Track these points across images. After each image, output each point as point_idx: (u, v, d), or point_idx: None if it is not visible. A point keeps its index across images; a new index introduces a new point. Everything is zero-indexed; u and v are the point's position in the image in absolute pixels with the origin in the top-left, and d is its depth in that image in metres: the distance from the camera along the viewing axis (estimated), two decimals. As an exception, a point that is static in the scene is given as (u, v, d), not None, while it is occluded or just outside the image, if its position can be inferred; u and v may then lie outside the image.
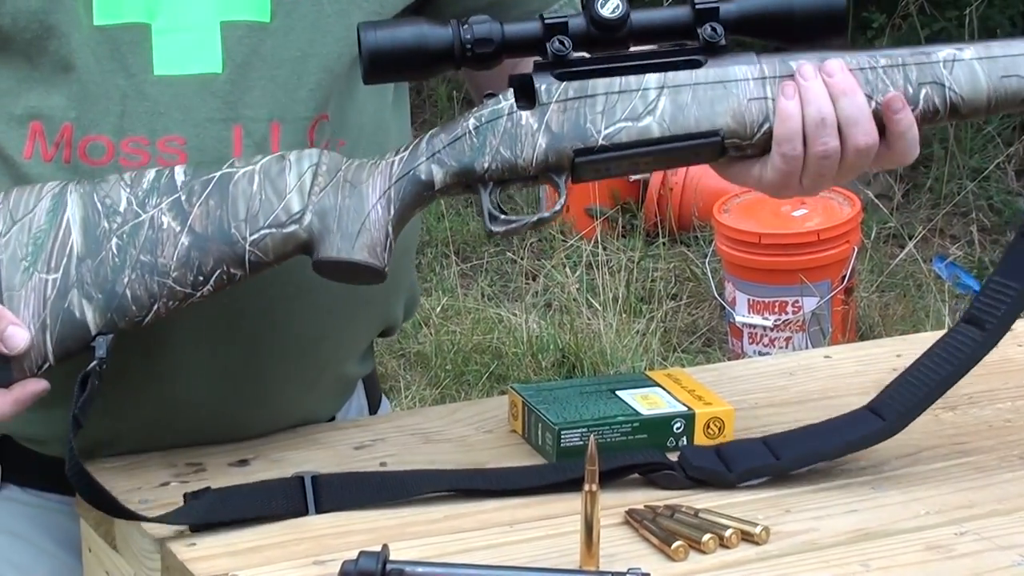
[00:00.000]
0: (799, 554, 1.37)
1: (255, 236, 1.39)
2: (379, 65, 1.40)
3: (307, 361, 1.55)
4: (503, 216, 1.42)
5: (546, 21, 1.42)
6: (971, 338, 1.49)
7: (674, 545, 1.36)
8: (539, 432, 1.55)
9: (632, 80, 1.43)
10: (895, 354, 1.78)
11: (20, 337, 1.37)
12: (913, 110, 1.44)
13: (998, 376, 1.73)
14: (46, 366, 1.38)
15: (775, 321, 4.35)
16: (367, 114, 1.53)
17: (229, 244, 1.39)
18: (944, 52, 1.45)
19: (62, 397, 1.45)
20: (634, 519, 1.41)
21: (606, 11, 1.42)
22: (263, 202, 1.40)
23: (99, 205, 1.41)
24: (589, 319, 4.46)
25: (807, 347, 4.20)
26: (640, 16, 1.43)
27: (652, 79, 1.43)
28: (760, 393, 1.68)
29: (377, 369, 1.77)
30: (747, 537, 1.38)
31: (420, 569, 1.29)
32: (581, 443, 1.50)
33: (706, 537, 1.37)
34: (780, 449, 1.48)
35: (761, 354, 4.23)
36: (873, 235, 4.97)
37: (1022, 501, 1.45)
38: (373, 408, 1.72)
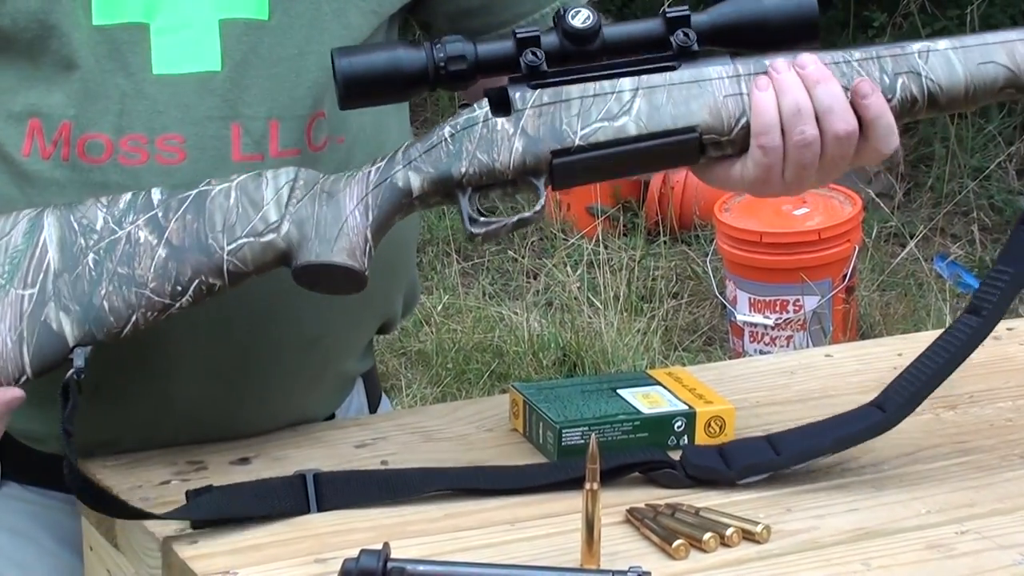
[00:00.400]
0: (800, 553, 1.37)
1: (232, 246, 1.39)
2: (354, 91, 1.41)
3: (307, 358, 1.55)
4: (483, 219, 1.42)
5: (518, 36, 1.42)
6: (969, 326, 1.49)
7: (675, 544, 1.36)
8: (540, 430, 1.55)
9: (606, 84, 1.43)
10: (896, 353, 1.77)
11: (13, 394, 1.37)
12: (890, 100, 1.44)
13: (999, 375, 1.73)
14: (23, 379, 1.38)
15: (776, 320, 4.35)
16: (366, 112, 1.52)
17: (207, 254, 1.39)
18: (918, 45, 1.46)
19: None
20: (635, 518, 1.41)
21: (577, 22, 1.42)
22: (240, 214, 1.40)
23: (75, 225, 1.41)
24: (590, 318, 4.46)
25: (808, 346, 4.20)
26: (612, 30, 1.43)
27: (626, 82, 1.43)
28: (761, 392, 1.68)
29: (377, 367, 1.77)
30: (748, 536, 1.38)
31: (421, 567, 1.29)
32: (582, 442, 1.50)
33: (707, 536, 1.37)
34: (780, 445, 1.48)
35: (762, 353, 4.23)
36: (874, 234, 4.97)
37: (1023, 500, 1.45)
38: (373, 406, 1.71)
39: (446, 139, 1.42)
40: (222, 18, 1.46)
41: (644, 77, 1.44)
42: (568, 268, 4.72)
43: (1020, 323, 1.90)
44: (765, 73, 1.44)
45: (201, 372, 1.49)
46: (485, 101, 1.43)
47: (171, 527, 1.40)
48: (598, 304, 4.51)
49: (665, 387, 1.60)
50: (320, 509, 1.42)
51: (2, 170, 1.46)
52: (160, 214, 1.40)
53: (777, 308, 4.36)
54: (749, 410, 1.60)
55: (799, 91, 1.42)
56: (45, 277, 1.39)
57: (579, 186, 1.47)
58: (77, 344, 1.38)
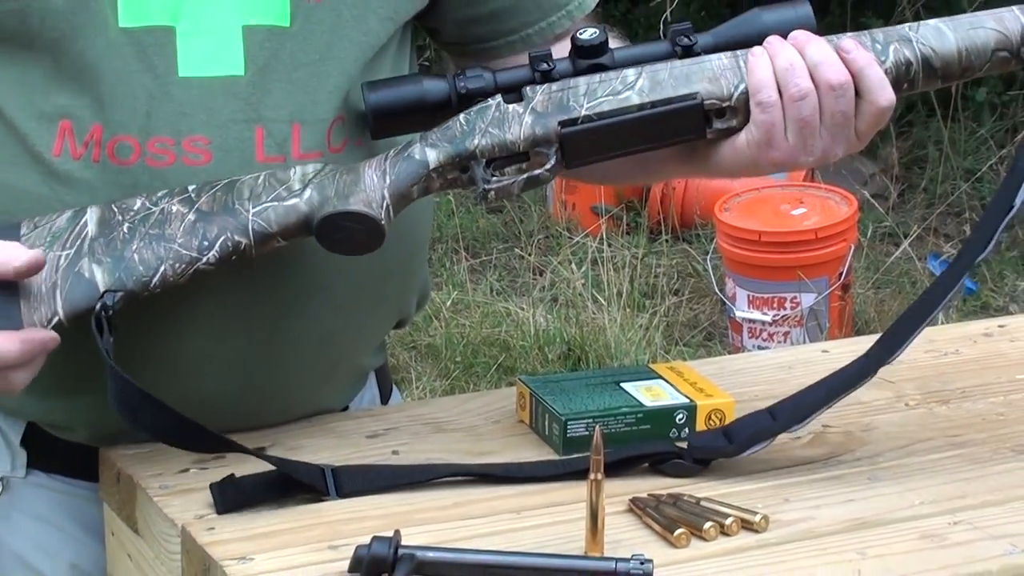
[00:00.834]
0: (797, 542, 1.37)
1: (257, 208, 1.42)
2: (383, 122, 1.47)
3: (323, 353, 1.55)
4: (494, 178, 1.45)
5: (531, 54, 1.48)
6: (945, 276, 1.49)
7: (676, 532, 1.36)
8: (546, 422, 1.55)
9: (612, 73, 1.47)
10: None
11: (33, 253, 1.37)
12: (884, 63, 1.46)
13: (991, 371, 1.73)
14: (55, 320, 1.38)
15: (774, 316, 4.35)
16: None
17: (233, 216, 1.41)
18: (907, 24, 1.49)
19: (86, 385, 1.46)
20: (638, 507, 1.41)
21: (585, 36, 1.47)
22: (266, 187, 1.43)
23: (115, 208, 1.43)
24: (594, 313, 4.46)
25: (805, 342, 4.20)
26: (622, 52, 1.48)
27: (631, 70, 1.47)
28: (760, 386, 1.68)
29: (389, 360, 1.77)
30: (747, 525, 1.38)
31: (430, 554, 1.29)
32: (587, 433, 1.50)
33: (707, 525, 1.37)
34: (778, 412, 1.48)
35: (760, 348, 4.23)
36: (869, 234, 4.97)
37: (1014, 492, 1.45)
38: (384, 398, 1.71)
39: (460, 121, 1.45)
40: (245, 24, 1.46)
41: (648, 65, 1.47)
42: (573, 265, 4.72)
43: (1011, 320, 1.90)
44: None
45: (222, 366, 1.49)
46: (498, 95, 1.46)
47: (189, 513, 1.40)
48: (602, 300, 4.51)
49: (667, 381, 1.60)
50: (339, 495, 1.42)
51: (33, 169, 1.46)
52: (192, 194, 1.43)
53: (775, 305, 4.36)
54: (748, 403, 1.60)
55: (791, 52, 1.46)
56: (82, 241, 1.41)
57: (591, 162, 1.48)
58: (108, 290, 1.39)
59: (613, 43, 1.50)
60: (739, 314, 4.41)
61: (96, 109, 1.44)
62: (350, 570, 1.30)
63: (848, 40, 1.46)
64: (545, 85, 1.46)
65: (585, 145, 1.46)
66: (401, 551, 1.29)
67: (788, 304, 4.35)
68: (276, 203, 1.42)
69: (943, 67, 1.48)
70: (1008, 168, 1.48)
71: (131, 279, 1.40)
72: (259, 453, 1.45)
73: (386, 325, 1.65)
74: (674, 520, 1.37)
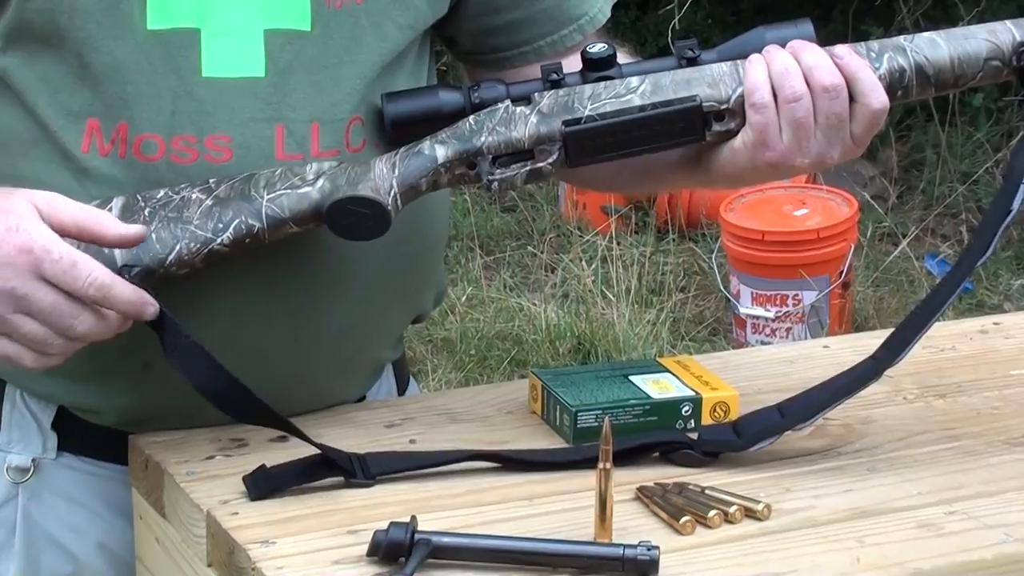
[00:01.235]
0: (798, 530, 1.36)
1: (272, 195, 1.42)
2: (401, 129, 1.48)
3: (342, 346, 1.55)
4: (499, 171, 1.45)
5: (543, 66, 1.49)
6: (947, 280, 1.49)
7: (682, 520, 1.36)
8: (557, 413, 1.55)
9: (616, 80, 1.47)
10: (889, 345, 1.77)
11: (135, 226, 1.37)
12: (878, 70, 1.46)
13: (986, 367, 1.72)
14: None
15: (776, 313, 4.34)
16: None
17: (248, 201, 1.42)
18: (903, 36, 1.49)
19: (115, 370, 1.46)
20: (645, 495, 1.41)
21: (595, 50, 1.48)
22: (281, 177, 1.43)
23: (139, 197, 1.43)
24: (603, 309, 4.46)
25: (806, 337, 4.19)
26: (629, 67, 1.49)
27: (635, 78, 1.48)
28: (763, 379, 1.67)
29: (406, 353, 1.77)
30: (750, 513, 1.38)
31: (445, 539, 1.30)
32: (596, 424, 1.49)
33: (712, 513, 1.37)
34: (785, 409, 1.48)
35: (763, 343, 4.22)
36: (869, 234, 4.96)
37: (1008, 483, 1.45)
38: (401, 390, 1.71)
39: (470, 122, 1.46)
40: (267, 28, 1.46)
41: (651, 74, 1.48)
42: (583, 263, 4.71)
43: (1006, 318, 1.89)
44: None
45: (246, 357, 1.49)
46: (507, 100, 1.47)
47: (215, 499, 1.41)
48: (611, 296, 4.50)
49: (673, 374, 1.60)
50: (367, 477, 1.43)
51: (62, 165, 1.46)
52: (212, 184, 1.43)
53: (777, 302, 4.36)
54: (752, 396, 1.60)
55: (787, 58, 1.46)
56: None
57: (593, 162, 1.48)
58: (125, 264, 1.39)
59: (622, 58, 1.51)
60: (743, 310, 4.40)
61: (122, 107, 1.45)
62: (368, 554, 1.30)
63: (842, 47, 1.47)
64: (552, 91, 1.47)
65: (587, 144, 1.46)
66: (417, 536, 1.29)
67: (790, 301, 4.34)
68: (290, 191, 1.43)
69: (936, 75, 1.48)
70: (1005, 173, 1.47)
71: (147, 256, 1.40)
72: (302, 434, 1.45)
73: (404, 320, 1.64)
74: (680, 508, 1.37)
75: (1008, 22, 1.49)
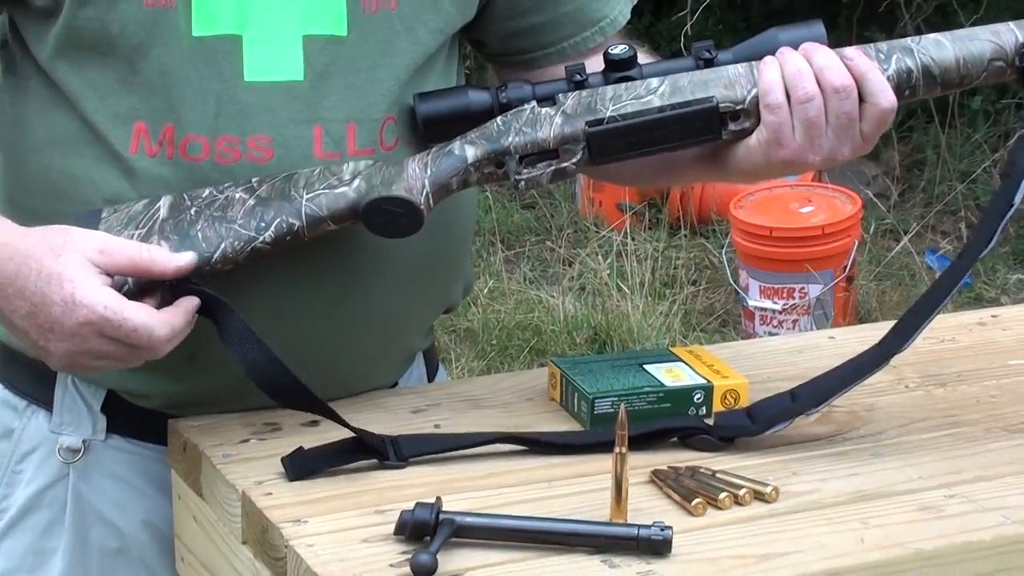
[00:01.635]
0: (805, 512, 1.36)
1: (311, 195, 1.42)
2: (432, 127, 1.48)
3: (376, 335, 1.55)
4: (525, 170, 1.45)
5: (567, 67, 1.49)
6: (950, 270, 1.48)
7: (694, 502, 1.36)
8: (575, 400, 1.55)
9: (637, 81, 1.48)
10: (892, 336, 1.76)
11: (187, 254, 1.38)
12: (886, 71, 1.46)
13: (985, 357, 1.72)
14: (124, 288, 1.37)
15: (783, 305, 4.33)
16: None
17: (289, 201, 1.42)
18: (910, 37, 1.49)
19: (163, 361, 1.45)
20: (658, 478, 1.41)
21: (616, 51, 1.48)
22: (320, 177, 1.44)
23: (185, 196, 1.44)
24: (618, 301, 4.45)
25: (812, 329, 4.18)
26: (650, 67, 1.49)
27: (654, 79, 1.48)
28: (772, 368, 1.67)
29: (435, 343, 1.77)
30: (759, 496, 1.38)
31: (468, 519, 1.30)
32: (612, 410, 1.49)
33: (722, 495, 1.36)
34: (797, 394, 1.48)
35: (771, 334, 4.21)
36: (872, 230, 4.95)
37: (1005, 468, 1.44)
38: (431, 376, 1.71)
39: (498, 123, 1.47)
40: (305, 34, 1.47)
41: (670, 75, 1.48)
42: (599, 257, 4.71)
43: (1003, 311, 1.88)
44: None
45: (285, 346, 1.48)
46: (533, 101, 1.47)
47: (249, 480, 1.41)
48: (626, 289, 4.50)
49: (686, 363, 1.59)
50: (399, 459, 1.43)
51: (112, 165, 1.46)
52: (255, 183, 1.44)
53: (785, 295, 4.35)
54: (761, 384, 1.59)
55: (800, 60, 1.46)
56: (153, 223, 1.42)
57: (615, 160, 1.48)
58: None
59: (642, 58, 1.51)
60: (751, 303, 4.39)
61: (168, 110, 1.45)
62: (395, 533, 1.30)
63: (852, 49, 1.46)
64: (576, 92, 1.47)
65: (610, 143, 1.46)
66: (442, 516, 1.29)
67: (797, 294, 4.33)
68: (328, 190, 1.43)
69: (942, 75, 1.47)
70: (1003, 171, 1.47)
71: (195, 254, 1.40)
72: (340, 418, 1.45)
73: (434, 311, 1.65)
74: (692, 491, 1.37)
75: (1011, 23, 1.48)
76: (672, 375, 1.56)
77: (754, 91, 1.46)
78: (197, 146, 1.45)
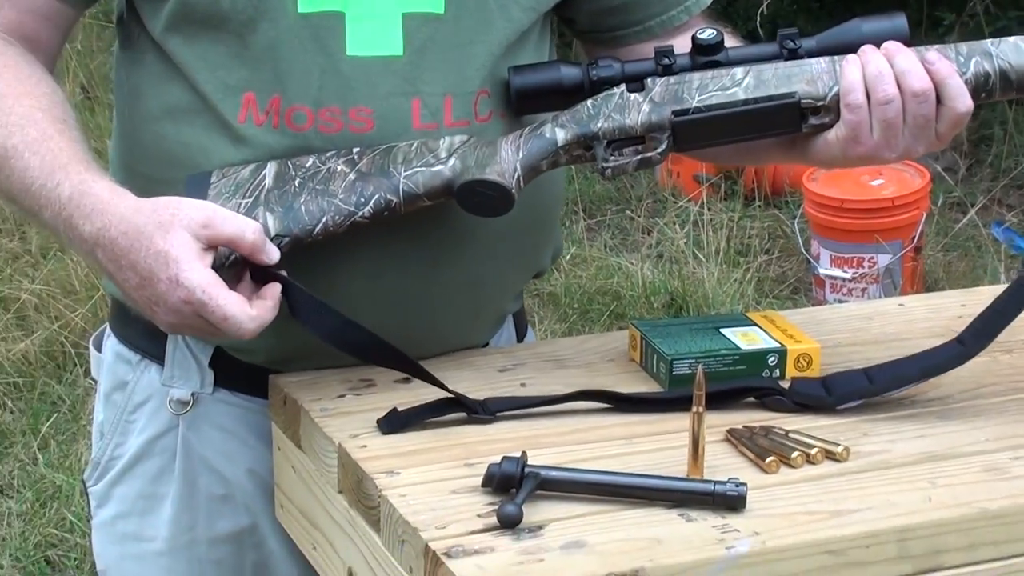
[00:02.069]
0: (875, 471, 1.35)
1: (408, 172, 1.43)
2: (525, 100, 1.48)
3: (470, 297, 1.55)
4: (612, 157, 1.44)
5: (656, 49, 1.47)
6: None
7: (767, 460, 1.35)
8: (654, 361, 1.54)
9: (723, 70, 1.46)
10: (959, 304, 1.74)
11: (275, 253, 1.39)
12: (964, 74, 1.43)
13: (1050, 325, 1.69)
14: (233, 256, 1.39)
15: (853, 274, 4.29)
16: None
17: (387, 177, 1.42)
18: (990, 40, 1.46)
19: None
20: (733, 437, 1.40)
21: (704, 35, 1.47)
22: (417, 154, 1.44)
23: (290, 164, 1.45)
24: (694, 268, 4.43)
25: (880, 297, 4.14)
26: (735, 51, 1.48)
27: (739, 69, 1.46)
28: (843, 334, 1.65)
29: (524, 306, 1.76)
30: (830, 455, 1.37)
31: (552, 473, 1.30)
32: (690, 372, 1.48)
33: (795, 454, 1.35)
34: (874, 376, 1.47)
35: (840, 302, 4.18)
36: (940, 203, 4.88)
37: (1069, 432, 1.42)
38: (520, 338, 1.71)
39: (588, 107, 1.45)
40: (405, 11, 1.47)
41: (755, 65, 1.46)
42: (677, 226, 4.69)
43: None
44: None
45: (382, 306, 1.50)
46: (622, 84, 1.46)
47: (345, 433, 1.42)
48: (701, 257, 4.47)
49: (760, 327, 1.58)
50: (486, 412, 1.44)
51: (222, 134, 1.47)
52: (355, 156, 1.44)
53: (854, 264, 4.31)
54: (832, 349, 1.58)
55: (881, 61, 1.44)
56: (259, 192, 1.43)
57: (699, 148, 1.47)
58: (276, 235, 1.41)
59: (729, 42, 1.49)
60: (822, 271, 4.36)
61: (275, 82, 1.45)
62: (483, 485, 1.30)
63: (933, 52, 1.44)
64: (664, 78, 1.45)
65: (694, 133, 1.45)
66: (527, 469, 1.29)
67: (866, 263, 4.29)
68: (424, 168, 1.43)
69: (1019, 79, 1.45)
70: None
71: (297, 226, 1.41)
72: (429, 374, 1.46)
73: (525, 275, 1.64)
74: (765, 449, 1.36)
75: None
76: (747, 338, 1.55)
77: (835, 88, 1.44)
78: (301, 116, 1.46)
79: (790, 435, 1.39)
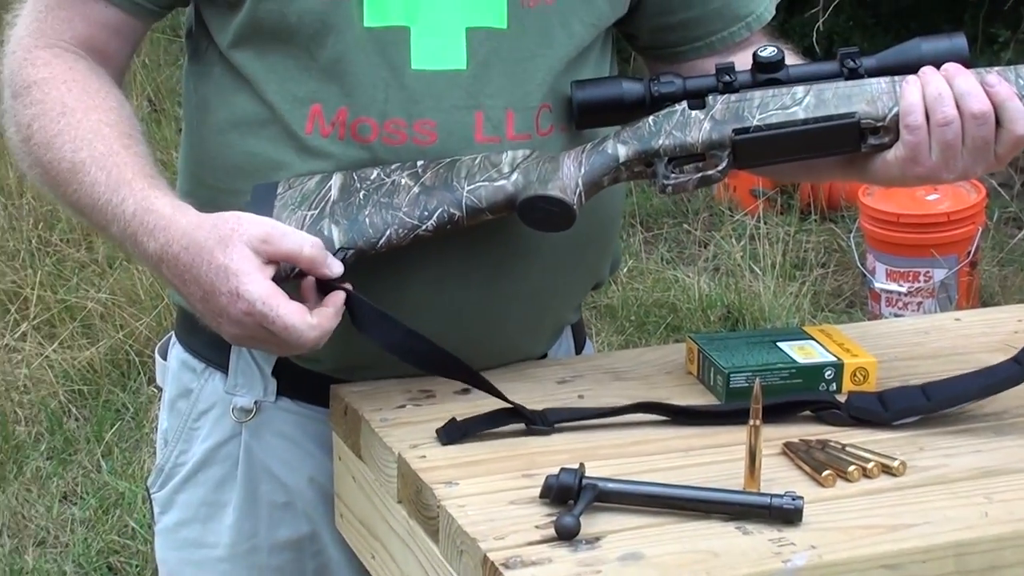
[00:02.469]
0: (931, 486, 1.34)
1: (472, 186, 1.43)
2: (587, 114, 1.48)
3: (531, 308, 1.55)
4: (673, 175, 1.44)
5: (718, 65, 1.46)
6: None
7: (824, 473, 1.34)
8: (711, 374, 1.53)
9: (784, 89, 1.45)
10: (1016, 319, 1.72)
11: (337, 267, 1.39)
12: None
13: (1108, 341, 1.66)
14: (296, 270, 1.39)
15: (909, 288, 4.26)
16: None
17: (451, 191, 1.43)
18: None
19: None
20: (790, 450, 1.39)
21: (765, 53, 1.46)
22: (480, 168, 1.44)
23: (355, 176, 1.45)
24: (751, 282, 4.41)
25: (936, 311, 4.11)
26: (796, 69, 1.47)
27: (800, 88, 1.45)
28: (899, 348, 1.64)
29: (583, 318, 1.76)
30: (886, 469, 1.35)
31: (610, 485, 1.29)
32: (747, 385, 1.48)
33: (851, 468, 1.34)
34: (931, 392, 1.45)
35: (896, 316, 4.15)
36: (995, 218, 4.84)
37: None
38: (579, 349, 1.71)
39: (649, 123, 1.45)
40: (469, 26, 1.47)
41: (816, 84, 1.45)
42: (733, 239, 4.67)
43: None
44: None
45: (443, 317, 1.50)
46: (684, 101, 1.45)
47: (405, 443, 1.42)
48: (758, 270, 4.45)
49: (817, 341, 1.57)
50: (545, 424, 1.43)
51: (289, 145, 1.48)
52: (420, 169, 1.44)
53: (910, 278, 4.28)
54: (889, 363, 1.57)
55: (941, 83, 1.42)
56: (325, 204, 1.43)
57: (758, 166, 1.47)
58: (341, 247, 1.41)
59: (790, 59, 1.49)
60: (878, 285, 4.33)
61: (342, 95, 1.46)
62: (541, 496, 1.30)
63: (993, 75, 1.43)
64: (725, 95, 1.45)
65: (754, 151, 1.44)
66: (585, 481, 1.29)
67: (922, 278, 4.26)
68: (487, 183, 1.43)
69: None
70: None
71: (361, 239, 1.42)
72: (489, 383, 1.45)
73: (584, 287, 1.64)
74: (822, 463, 1.35)
75: None
76: (804, 352, 1.54)
77: (895, 109, 1.43)
78: (367, 128, 1.46)
79: (847, 449, 1.38)
